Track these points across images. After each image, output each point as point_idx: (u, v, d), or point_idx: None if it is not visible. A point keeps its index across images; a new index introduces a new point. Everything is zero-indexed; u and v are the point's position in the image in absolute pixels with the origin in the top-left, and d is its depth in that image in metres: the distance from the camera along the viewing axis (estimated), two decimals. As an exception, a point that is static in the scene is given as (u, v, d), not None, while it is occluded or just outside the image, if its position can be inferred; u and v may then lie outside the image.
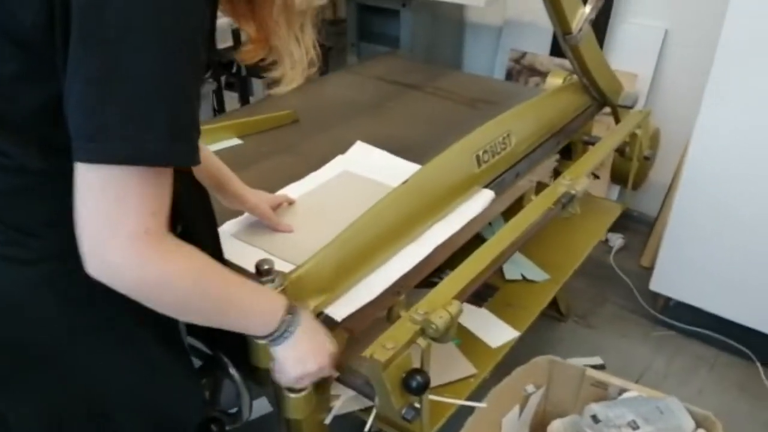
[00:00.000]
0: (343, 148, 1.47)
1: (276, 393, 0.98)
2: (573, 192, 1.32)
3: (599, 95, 1.73)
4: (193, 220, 0.84)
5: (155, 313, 0.70)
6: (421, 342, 0.97)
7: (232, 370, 1.01)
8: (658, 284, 2.07)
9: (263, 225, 1.16)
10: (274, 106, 1.70)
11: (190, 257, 0.71)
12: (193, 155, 0.65)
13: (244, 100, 2.59)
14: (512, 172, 1.43)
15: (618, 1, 2.33)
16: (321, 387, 1.02)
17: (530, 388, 1.51)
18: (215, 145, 1.50)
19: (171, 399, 0.87)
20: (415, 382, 0.93)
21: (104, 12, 0.56)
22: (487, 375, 1.26)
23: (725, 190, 1.81)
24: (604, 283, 2.35)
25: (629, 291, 2.26)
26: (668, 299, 2.15)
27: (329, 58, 2.64)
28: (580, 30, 1.42)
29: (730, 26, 1.64)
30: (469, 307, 1.44)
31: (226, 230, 1.16)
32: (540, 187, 1.44)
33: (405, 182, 1.17)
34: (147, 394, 0.83)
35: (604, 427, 1.40)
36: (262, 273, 0.90)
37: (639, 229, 2.56)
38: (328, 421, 1.09)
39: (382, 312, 1.04)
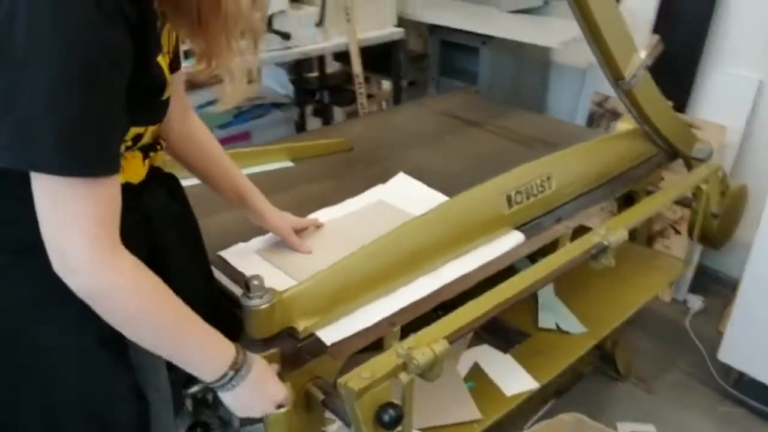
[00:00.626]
0: (387, 178, 1.49)
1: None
2: (606, 243, 1.25)
3: (665, 144, 1.63)
4: (169, 247, 0.89)
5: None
6: (403, 377, 0.96)
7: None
8: (727, 354, 1.89)
9: (286, 245, 1.20)
10: (337, 133, 1.77)
11: (141, 277, 0.75)
12: (92, 168, 0.68)
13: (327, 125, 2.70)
14: (552, 216, 1.38)
15: (708, 50, 2.20)
16: (309, 409, 1.04)
17: (555, 446, 1.44)
18: (267, 166, 1.58)
19: (109, 401, 0.88)
20: (387, 416, 0.92)
21: (13, 31, 0.62)
22: (493, 423, 1.21)
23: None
24: (675, 346, 2.18)
25: (701, 359, 2.08)
26: (743, 373, 1.95)
27: (410, 92, 2.70)
28: (634, 77, 1.35)
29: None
30: (493, 352, 1.41)
31: (252, 245, 1.21)
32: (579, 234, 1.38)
33: (423, 215, 1.18)
34: (86, 391, 0.86)
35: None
36: (249, 288, 0.93)
37: (722, 292, 2.36)
38: (318, 447, 1.10)
39: (372, 340, 1.04)
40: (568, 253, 1.24)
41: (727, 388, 1.96)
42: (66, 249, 0.69)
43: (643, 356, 2.13)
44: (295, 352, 0.98)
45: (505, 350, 1.40)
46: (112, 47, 0.68)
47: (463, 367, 1.35)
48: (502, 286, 1.13)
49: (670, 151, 1.69)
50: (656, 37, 1.37)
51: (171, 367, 0.88)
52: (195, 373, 0.85)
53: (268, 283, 0.96)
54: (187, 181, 1.40)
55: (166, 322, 0.79)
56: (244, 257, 1.18)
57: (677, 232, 2.32)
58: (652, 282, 1.63)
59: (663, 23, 2.28)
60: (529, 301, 1.56)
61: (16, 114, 0.65)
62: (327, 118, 2.70)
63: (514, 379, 1.31)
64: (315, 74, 2.69)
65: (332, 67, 2.86)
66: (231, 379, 0.84)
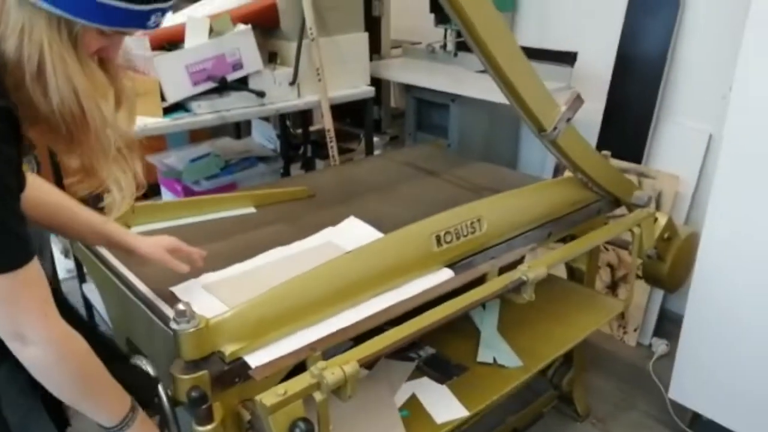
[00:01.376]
0: (340, 222, 1.62)
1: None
2: (525, 278, 1.36)
3: (602, 192, 1.75)
4: None
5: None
6: (317, 395, 1.06)
7: (164, 401, 1.16)
8: (677, 393, 1.95)
9: (237, 281, 1.33)
10: (302, 183, 1.91)
11: (77, 343, 0.92)
12: (24, 256, 0.85)
13: (308, 178, 2.86)
14: (485, 256, 1.49)
15: (662, 104, 2.34)
16: (239, 427, 1.14)
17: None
18: (231, 212, 1.72)
19: None
20: (298, 430, 1.02)
21: None
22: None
23: (740, 297, 1.72)
24: (637, 389, 2.23)
25: (662, 400, 2.13)
26: (698, 414, 2.00)
27: (393, 146, 2.87)
28: (555, 129, 1.49)
29: (734, 124, 1.64)
30: (431, 383, 1.49)
31: (200, 280, 1.34)
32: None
33: (352, 251, 1.30)
34: None
35: None
36: (178, 314, 1.05)
37: (686, 336, 2.41)
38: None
39: (295, 364, 1.14)
40: (490, 287, 1.34)
41: (682, 427, 2.00)
42: (26, 333, 0.86)
43: (604, 397, 2.18)
44: (222, 374, 1.09)
45: (442, 382, 1.49)
46: (11, 163, 0.84)
47: (401, 397, 1.44)
48: (421, 316, 1.24)
49: (610, 198, 1.80)
50: (575, 92, 1.51)
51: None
52: (95, 418, 1.01)
53: (208, 313, 1.09)
54: (142, 227, 1.56)
55: (90, 379, 0.96)
56: (191, 291, 1.30)
57: (639, 277, 2.40)
58: (590, 320, 1.71)
59: (619, 79, 2.43)
60: (472, 336, 1.65)
61: None
62: (310, 170, 2.87)
63: (446, 408, 1.40)
64: (299, 130, 2.87)
65: (320, 123, 3.06)
66: (127, 423, 1.02)
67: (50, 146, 0.96)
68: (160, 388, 1.16)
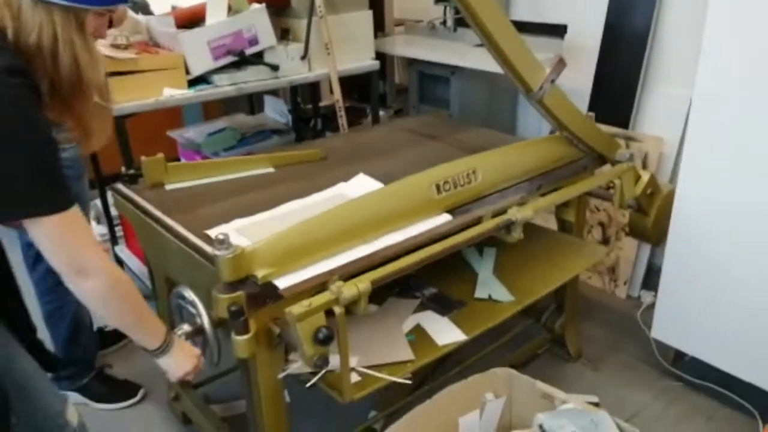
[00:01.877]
0: (350, 179, 1.82)
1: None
2: (513, 219, 1.56)
3: (587, 149, 1.93)
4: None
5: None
6: (336, 309, 1.26)
7: (206, 322, 1.37)
8: (658, 332, 2.14)
9: (263, 224, 1.53)
10: (315, 147, 2.11)
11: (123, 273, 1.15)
12: (71, 200, 1.08)
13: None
14: (480, 204, 1.68)
15: (647, 72, 2.52)
16: (270, 344, 1.35)
17: (489, 396, 1.70)
18: (252, 172, 1.92)
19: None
20: (321, 334, 1.22)
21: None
22: (423, 364, 1.49)
23: (712, 247, 1.91)
24: (625, 336, 2.43)
25: (647, 345, 2.32)
26: (682, 354, 2.20)
27: (395, 118, 3.05)
28: (541, 89, 1.67)
29: (703, 90, 1.82)
30: (434, 316, 1.69)
31: (230, 225, 1.54)
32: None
33: (362, 196, 1.50)
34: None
35: (550, 437, 1.56)
36: (219, 242, 1.25)
37: (671, 287, 2.60)
38: (280, 376, 1.41)
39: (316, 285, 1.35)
40: (484, 225, 1.54)
41: (667, 367, 2.20)
42: (87, 266, 1.07)
43: (595, 343, 2.38)
44: (255, 294, 1.29)
45: (443, 314, 1.69)
46: (47, 123, 1.07)
47: (407, 326, 1.64)
48: (422, 249, 1.44)
49: (594, 155, 1.99)
50: (558, 56, 1.69)
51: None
52: (142, 343, 1.27)
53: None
54: (174, 185, 1.76)
55: (137, 306, 1.20)
56: (222, 233, 1.50)
57: (627, 234, 2.59)
58: (576, 263, 1.90)
59: (607, 50, 2.61)
60: (471, 278, 1.85)
61: (9, 181, 1.01)
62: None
63: (447, 333, 1.60)
64: (310, 105, 3.06)
65: (329, 99, 3.25)
66: (167, 345, 1.29)
67: (52, 112, 1.16)
68: (202, 310, 1.38)
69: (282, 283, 1.32)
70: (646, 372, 2.22)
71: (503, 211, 1.64)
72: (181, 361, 1.34)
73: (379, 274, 1.33)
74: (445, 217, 1.59)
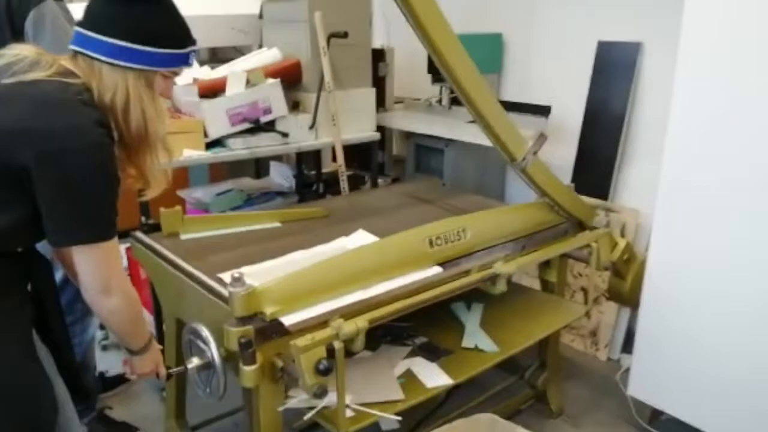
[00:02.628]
0: (350, 234, 1.99)
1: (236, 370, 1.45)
2: (498, 272, 1.72)
3: (567, 215, 2.12)
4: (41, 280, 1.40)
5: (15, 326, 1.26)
6: (336, 344, 1.41)
7: (215, 355, 1.50)
8: (634, 390, 2.26)
9: (270, 271, 1.68)
10: (317, 206, 2.30)
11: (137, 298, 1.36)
12: (115, 232, 1.26)
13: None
14: (469, 259, 1.85)
15: (624, 148, 2.75)
16: (273, 377, 1.48)
17: (473, 442, 1.81)
18: (261, 225, 2.09)
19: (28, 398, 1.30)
20: (322, 365, 1.36)
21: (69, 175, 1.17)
22: (412, 404, 1.61)
23: (683, 309, 2.07)
24: (604, 395, 2.55)
25: (625, 404, 2.43)
26: (658, 412, 2.31)
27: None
28: (524, 159, 1.88)
29: (669, 165, 2.04)
30: (423, 361, 1.82)
31: (243, 270, 1.70)
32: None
33: (362, 246, 1.67)
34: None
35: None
36: (234, 280, 1.41)
37: (650, 351, 2.73)
38: (281, 408, 1.53)
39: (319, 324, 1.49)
40: (470, 278, 1.70)
41: (643, 425, 2.31)
42: (112, 287, 1.26)
43: (576, 401, 2.49)
44: (263, 329, 1.44)
45: (432, 360, 1.82)
46: (115, 163, 1.25)
47: (398, 370, 1.77)
48: (415, 296, 1.60)
49: (574, 221, 2.18)
50: (540, 131, 1.91)
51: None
52: (131, 345, 1.45)
53: (249, 287, 1.45)
54: (189, 235, 1.93)
55: (139, 318, 1.39)
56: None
57: (608, 298, 2.75)
58: (556, 320, 2.05)
59: (588, 130, 2.86)
60: (459, 330, 1.99)
61: (78, 215, 1.20)
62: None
63: (435, 377, 1.72)
64: (313, 171, 3.28)
65: (330, 167, 3.48)
66: (144, 349, 1.46)
67: (119, 163, 1.34)
68: (213, 345, 1.51)
69: (288, 320, 1.47)
70: (624, 429, 2.33)
71: (489, 266, 1.80)
72: (146, 362, 1.50)
73: (376, 315, 1.49)
74: (436, 269, 1.75)
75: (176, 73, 1.35)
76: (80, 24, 1.27)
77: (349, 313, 1.53)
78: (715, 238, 1.97)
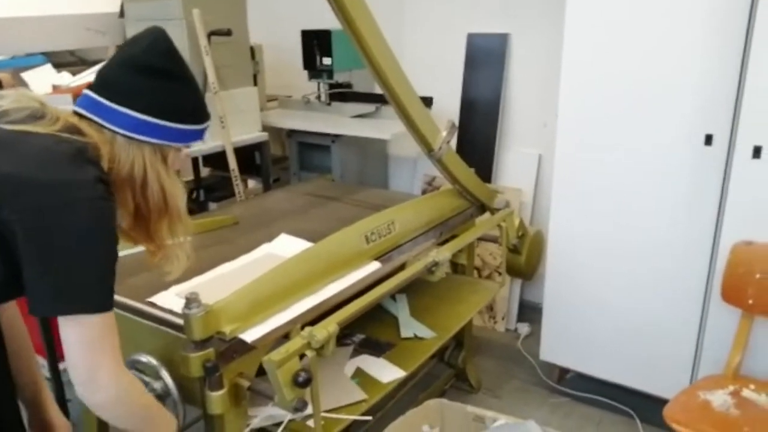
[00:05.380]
0: (271, 240, 1.91)
1: (202, 398, 1.33)
2: (437, 260, 1.76)
3: (473, 199, 2.23)
4: None
5: None
6: (308, 353, 1.35)
7: (171, 386, 1.36)
8: (546, 354, 2.46)
9: (205, 287, 1.56)
10: (221, 214, 2.16)
11: (137, 386, 1.15)
12: (111, 303, 1.07)
13: (202, 222, 3.06)
14: (399, 251, 1.87)
15: (501, 134, 2.95)
16: (237, 398, 1.38)
17: (426, 428, 1.84)
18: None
19: None
20: (301, 378, 1.30)
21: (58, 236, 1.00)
22: (376, 402, 1.60)
23: (582, 275, 2.28)
24: (512, 363, 2.72)
25: (533, 369, 2.63)
26: (565, 371, 2.52)
27: (276, 188, 3.17)
28: (440, 148, 1.94)
29: (561, 149, 2.23)
30: (370, 358, 1.82)
31: (171, 291, 1.56)
32: (420, 261, 1.87)
33: (305, 251, 1.61)
34: None
35: (485, 456, 1.73)
36: (189, 301, 1.29)
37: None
38: (246, 431, 1.43)
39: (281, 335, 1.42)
40: (413, 268, 1.72)
41: (554, 386, 2.51)
42: (100, 377, 1.04)
43: (489, 373, 2.64)
44: (225, 350, 1.33)
45: (378, 356, 1.82)
46: (115, 230, 1.09)
47: (348, 370, 1.74)
48: (369, 292, 1.58)
49: (478, 204, 2.29)
50: (451, 121, 1.98)
51: None
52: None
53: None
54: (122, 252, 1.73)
55: (144, 409, 1.16)
56: (167, 298, 1.52)
57: (500, 273, 2.93)
58: (478, 299, 2.15)
59: (465, 118, 3.01)
60: (391, 322, 2.00)
61: (67, 278, 1.01)
62: (204, 211, 3.07)
63: (387, 372, 1.73)
64: (191, 177, 3.08)
65: (204, 172, 3.29)
66: None
67: (133, 235, 1.23)
68: (165, 374, 1.37)
69: (249, 336, 1.37)
70: (537, 392, 2.51)
71: (423, 256, 1.84)
72: None
73: (343, 316, 1.45)
74: (375, 265, 1.75)
75: (188, 147, 1.25)
76: (93, 89, 1.14)
77: (306, 320, 1.48)
78: (602, 209, 2.19)
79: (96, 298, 1.04)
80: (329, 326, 1.38)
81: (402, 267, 1.82)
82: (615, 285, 2.23)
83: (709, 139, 1.94)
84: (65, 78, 2.35)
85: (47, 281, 1.00)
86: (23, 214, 0.99)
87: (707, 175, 1.97)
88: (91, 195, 1.04)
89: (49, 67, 2.42)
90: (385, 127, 2.91)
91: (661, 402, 1.83)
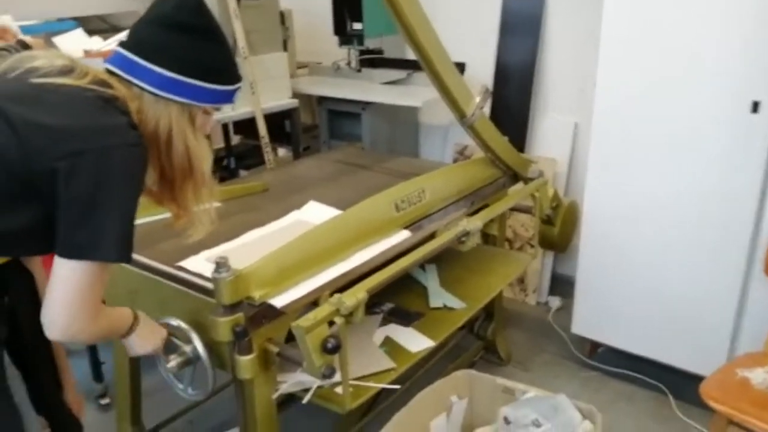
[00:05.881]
0: (300, 208, 1.89)
1: (232, 362, 1.33)
2: (468, 229, 1.72)
3: (506, 168, 2.17)
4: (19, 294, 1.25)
5: None
6: (337, 320, 1.34)
7: (201, 350, 1.36)
8: (578, 327, 2.41)
9: (234, 252, 1.55)
10: (251, 181, 2.15)
11: (108, 317, 1.16)
12: (129, 255, 1.08)
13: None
14: (429, 220, 1.84)
15: (535, 101, 2.87)
16: (266, 364, 1.38)
17: (454, 398, 1.83)
18: (200, 207, 1.92)
19: None
20: (330, 344, 1.28)
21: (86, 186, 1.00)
22: (405, 371, 1.59)
23: (617, 248, 2.22)
24: (543, 337, 2.68)
25: (564, 342, 2.59)
26: (596, 346, 2.48)
27: (306, 156, 3.15)
28: (473, 114, 1.89)
29: (599, 116, 2.15)
30: (398, 328, 1.80)
31: (200, 256, 1.55)
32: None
33: (335, 217, 1.59)
34: None
35: (514, 428, 1.71)
36: (219, 265, 1.28)
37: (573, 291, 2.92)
38: (274, 396, 1.43)
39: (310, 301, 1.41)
40: (443, 237, 1.69)
41: (585, 360, 2.47)
42: (74, 325, 1.05)
43: (519, 347, 2.61)
44: (254, 315, 1.33)
45: (407, 325, 1.80)
46: (140, 190, 1.09)
47: (377, 339, 1.73)
48: (399, 260, 1.55)
49: (511, 173, 2.23)
50: (485, 86, 1.91)
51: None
52: (117, 336, 1.25)
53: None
54: (153, 218, 1.74)
55: (112, 326, 1.20)
56: (196, 263, 1.51)
57: (532, 246, 2.88)
58: (509, 270, 2.11)
59: (500, 85, 2.93)
60: (420, 291, 1.98)
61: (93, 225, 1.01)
62: (234, 178, 3.07)
63: (416, 341, 1.71)
64: (222, 145, 3.08)
65: (235, 140, 3.28)
66: (132, 327, 1.25)
67: (158, 196, 1.22)
68: (195, 337, 1.37)
69: (278, 301, 1.36)
70: (568, 366, 2.48)
71: (455, 225, 1.80)
72: (146, 336, 1.30)
73: (373, 283, 1.43)
74: (405, 233, 1.72)
75: (218, 109, 1.23)
76: (123, 45, 1.14)
77: (336, 286, 1.47)
78: (640, 181, 2.11)
79: (125, 246, 1.05)
80: (358, 293, 1.36)
81: (432, 236, 1.78)
82: (651, 258, 2.16)
83: (756, 106, 1.85)
84: (96, 43, 2.34)
85: (77, 226, 1.00)
86: (61, 161, 0.99)
87: (753, 144, 1.87)
88: (126, 140, 1.05)
89: (80, 31, 2.42)
90: (417, 93, 2.85)
91: (696, 379, 1.78)
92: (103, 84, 1.09)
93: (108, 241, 1.02)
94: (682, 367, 2.20)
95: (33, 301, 1.22)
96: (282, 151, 3.45)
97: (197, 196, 1.23)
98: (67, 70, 1.10)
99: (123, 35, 2.34)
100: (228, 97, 1.22)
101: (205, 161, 1.21)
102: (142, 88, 1.11)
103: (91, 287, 1.04)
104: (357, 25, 2.89)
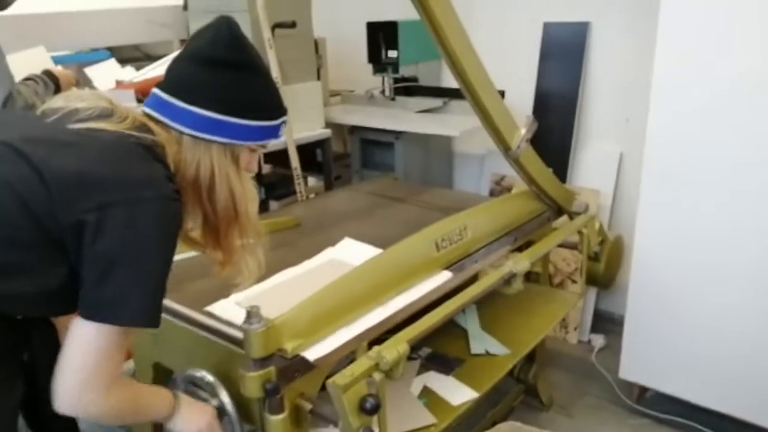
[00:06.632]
0: (334, 244, 1.80)
1: (261, 420, 1.23)
2: (514, 271, 1.61)
3: (551, 202, 2.05)
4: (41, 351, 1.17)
5: None
6: (376, 375, 1.23)
7: (229, 406, 1.27)
8: (626, 372, 2.26)
9: (265, 296, 1.46)
10: (283, 214, 2.07)
11: (130, 390, 1.05)
12: (157, 320, 1.00)
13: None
14: (471, 259, 1.73)
15: (578, 130, 2.75)
16: (299, 422, 1.28)
17: (498, 452, 1.69)
18: (230, 243, 1.84)
19: None
20: (369, 404, 1.18)
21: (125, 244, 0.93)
22: (445, 426, 1.47)
23: (668, 289, 2.07)
24: (586, 378, 2.53)
25: (609, 384, 2.43)
26: (644, 390, 2.32)
27: (337, 186, 3.08)
28: (519, 147, 1.78)
29: (651, 147, 2.02)
30: (438, 376, 1.69)
31: (230, 300, 1.47)
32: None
33: (373, 258, 1.49)
34: None
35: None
36: (250, 315, 1.19)
37: (618, 329, 2.75)
38: (306, 455, 1.32)
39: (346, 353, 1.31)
40: (488, 280, 1.57)
41: (633, 405, 2.31)
42: (88, 408, 0.96)
43: (561, 389, 2.46)
44: (286, 368, 1.23)
45: (447, 373, 1.68)
46: (173, 251, 1.01)
47: (415, 389, 1.62)
48: (441, 307, 1.44)
49: (556, 207, 2.11)
50: (530, 116, 1.81)
51: None
52: (157, 420, 1.15)
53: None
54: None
55: (143, 406, 1.09)
56: (225, 308, 1.43)
57: (573, 281, 2.74)
58: (554, 311, 1.99)
59: (540, 113, 2.81)
60: (460, 334, 1.87)
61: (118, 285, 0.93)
62: (265, 211, 3.00)
63: (458, 392, 1.59)
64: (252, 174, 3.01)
65: (265, 169, 3.22)
66: (176, 410, 1.15)
67: (201, 244, 1.17)
68: (223, 392, 1.28)
69: (312, 354, 1.27)
70: (614, 412, 2.32)
71: (499, 265, 1.69)
72: (194, 419, 1.20)
73: (414, 333, 1.32)
74: (447, 275, 1.61)
75: (264, 147, 1.15)
76: (160, 86, 1.08)
77: (373, 336, 1.36)
78: (698, 217, 1.97)
79: (154, 310, 0.97)
80: (399, 346, 1.26)
81: (475, 277, 1.67)
82: (709, 300, 2.01)
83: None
84: (129, 73, 2.31)
85: (100, 285, 0.93)
86: (90, 213, 0.91)
87: (825, 180, 1.73)
88: (162, 193, 0.97)
89: (112, 62, 2.39)
90: (453, 122, 2.76)
91: (756, 430, 1.62)
92: (143, 128, 1.02)
93: (133, 303, 0.93)
94: (742, 417, 2.03)
95: (56, 359, 1.15)
96: (312, 180, 3.38)
97: (243, 236, 1.15)
98: (107, 114, 1.03)
99: (155, 67, 2.31)
100: (273, 133, 1.14)
101: (251, 203, 1.13)
102: (180, 131, 1.04)
103: (107, 352, 0.95)
104: (392, 53, 2.82)
